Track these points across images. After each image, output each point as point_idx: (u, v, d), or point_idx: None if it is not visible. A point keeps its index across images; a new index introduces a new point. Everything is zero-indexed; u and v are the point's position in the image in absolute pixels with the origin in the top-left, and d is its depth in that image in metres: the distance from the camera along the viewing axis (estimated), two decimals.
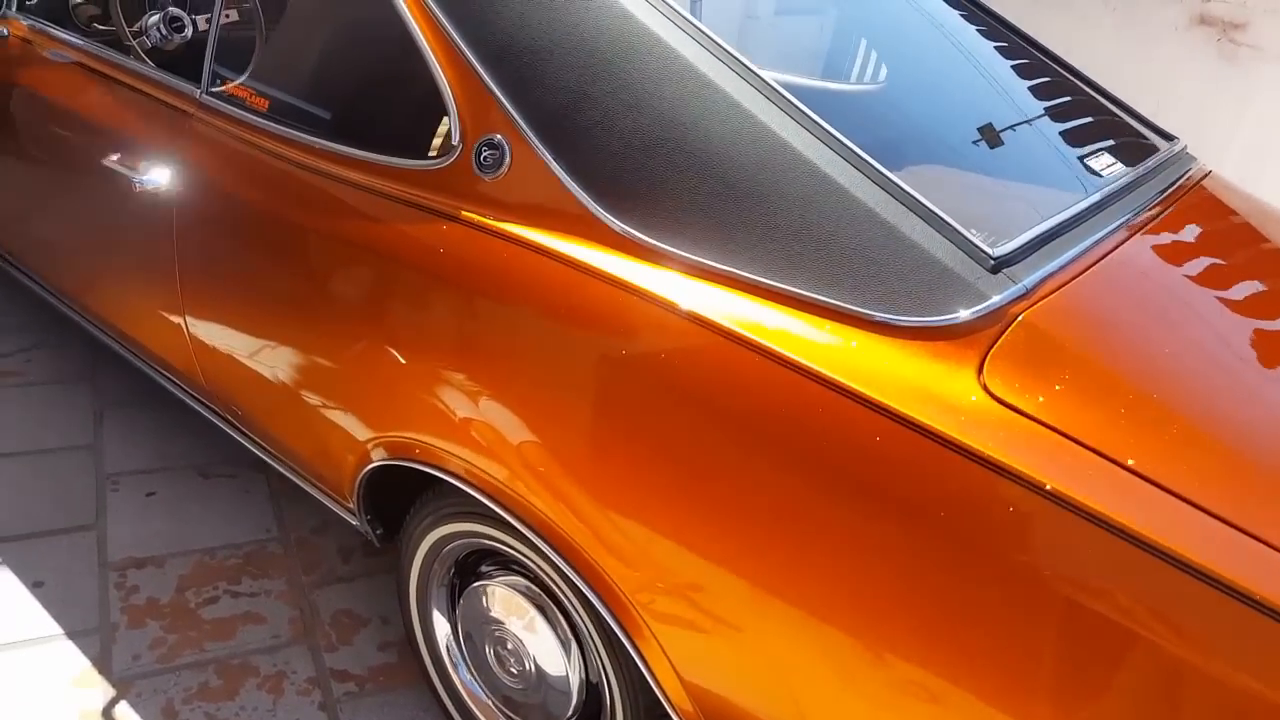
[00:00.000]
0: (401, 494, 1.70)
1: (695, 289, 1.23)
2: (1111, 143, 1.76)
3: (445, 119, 1.44)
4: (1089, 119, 1.85)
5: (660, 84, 1.32)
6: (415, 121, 1.53)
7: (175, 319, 1.90)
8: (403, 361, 1.50)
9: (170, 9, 2.53)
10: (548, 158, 1.35)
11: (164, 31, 2.50)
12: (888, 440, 1.09)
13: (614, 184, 1.32)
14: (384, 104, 1.63)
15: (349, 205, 1.55)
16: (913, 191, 1.24)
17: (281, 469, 1.93)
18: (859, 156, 1.26)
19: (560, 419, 1.33)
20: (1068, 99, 1.87)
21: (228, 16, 2.63)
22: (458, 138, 1.43)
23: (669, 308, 1.23)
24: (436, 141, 1.46)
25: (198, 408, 2.14)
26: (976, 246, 1.21)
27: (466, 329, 1.42)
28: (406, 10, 1.47)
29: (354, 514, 1.77)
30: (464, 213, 1.42)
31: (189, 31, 2.54)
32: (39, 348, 2.79)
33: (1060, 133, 1.76)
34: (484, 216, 1.40)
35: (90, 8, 2.69)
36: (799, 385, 1.14)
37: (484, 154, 1.41)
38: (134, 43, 2.37)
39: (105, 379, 2.69)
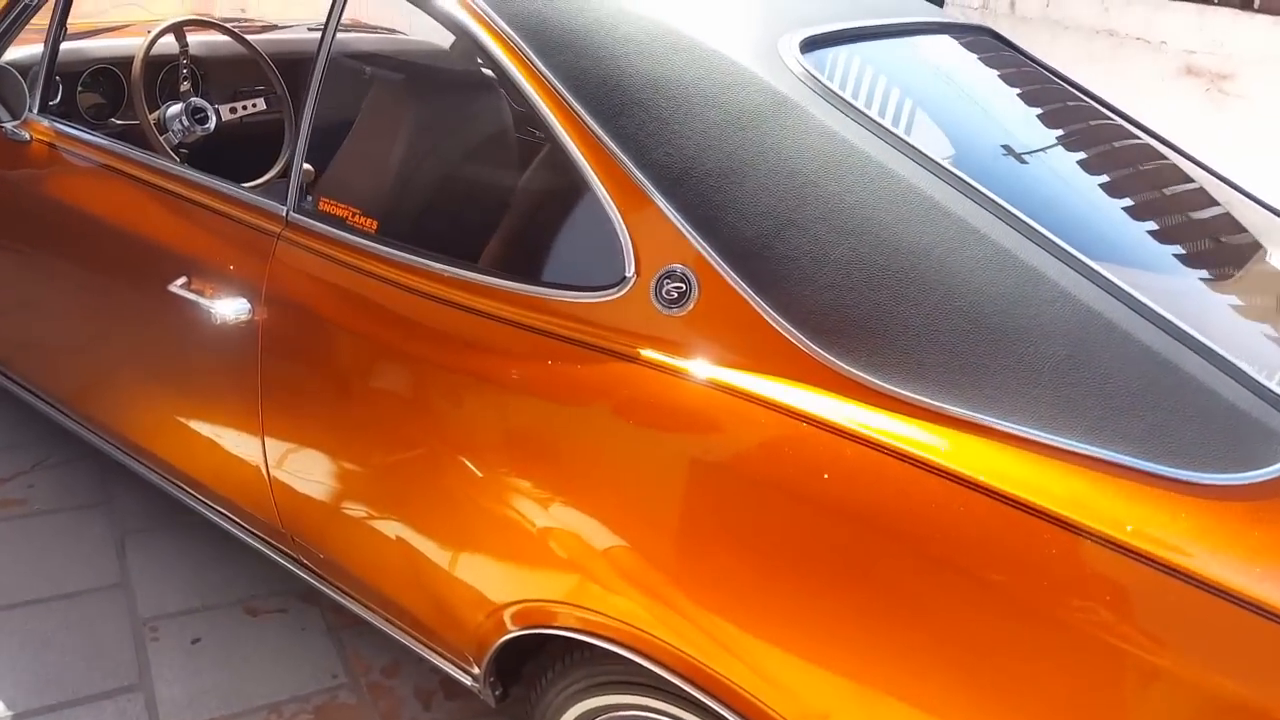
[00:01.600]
0: (529, 650, 1.51)
1: (950, 442, 1.08)
2: (1261, 234, 1.67)
3: (613, 246, 1.28)
4: (1229, 209, 1.76)
5: (878, 207, 1.18)
6: (572, 248, 1.36)
7: (253, 458, 1.69)
8: (556, 516, 1.32)
9: (193, 99, 2.34)
10: (746, 290, 1.20)
11: (186, 123, 2.30)
12: (1221, 620, 0.95)
13: (831, 320, 1.16)
14: (532, 227, 1.46)
15: (486, 340, 1.37)
16: (1183, 325, 1.11)
17: (377, 622, 1.72)
18: (1115, 284, 1.13)
19: (776, 586, 1.16)
20: (1206, 188, 1.78)
21: (253, 106, 2.45)
22: (631, 269, 1.26)
23: (918, 462, 1.07)
24: (602, 271, 1.30)
25: (237, 532, 1.93)
26: (1264, 386, 1.09)
27: (642, 479, 1.25)
28: (560, 129, 1.30)
29: (473, 676, 1.57)
30: (642, 351, 1.25)
31: (212, 124, 2.35)
32: (40, 468, 2.52)
33: (1225, 229, 1.67)
34: (667, 355, 1.23)
35: (93, 96, 2.47)
36: (1102, 557, 0.99)
37: (665, 286, 1.24)
38: (162, 138, 2.17)
39: (121, 500, 2.43)
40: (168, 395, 1.85)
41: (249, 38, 2.45)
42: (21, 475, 2.49)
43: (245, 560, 2.24)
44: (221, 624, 2.10)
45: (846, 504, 1.10)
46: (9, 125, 1.93)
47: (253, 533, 1.90)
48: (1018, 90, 1.81)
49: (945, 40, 1.79)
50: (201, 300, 1.61)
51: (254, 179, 2.31)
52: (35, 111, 1.95)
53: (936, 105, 1.52)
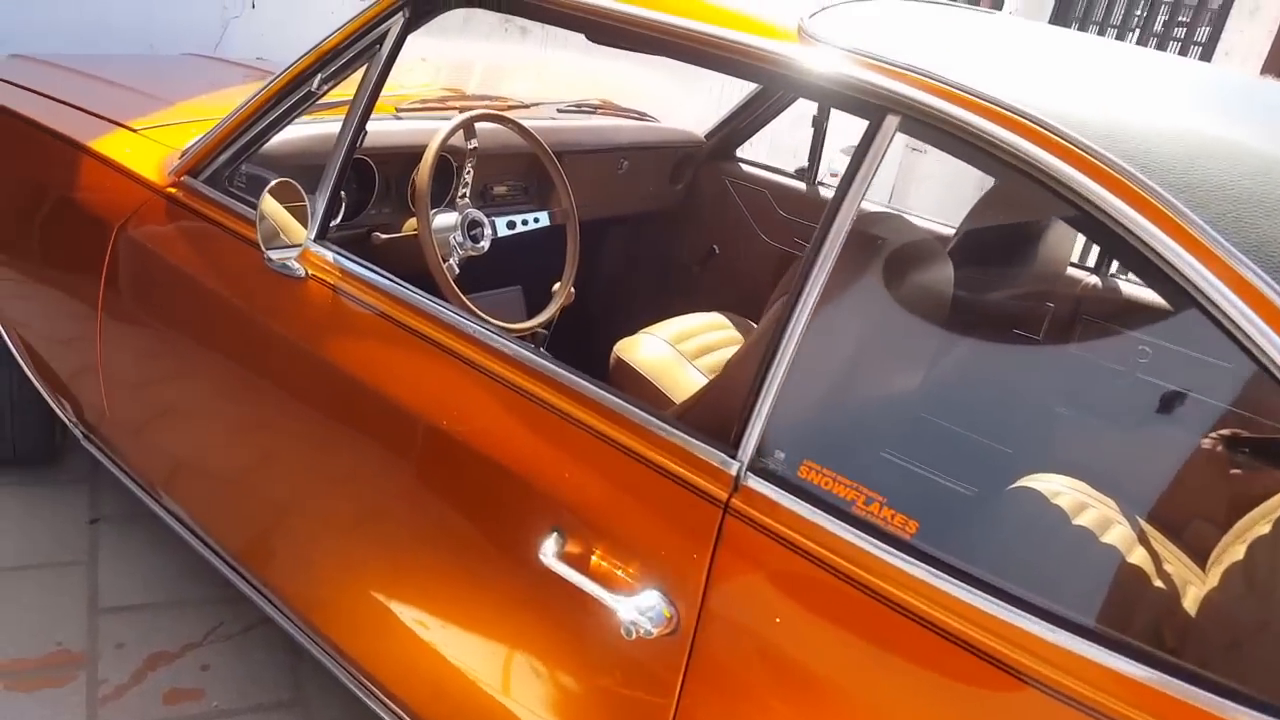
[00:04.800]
0: None
1: None
2: None
3: None
4: None
5: None
6: None
7: None
8: None
9: (470, 211, 1.85)
10: None
11: (460, 239, 1.81)
12: None
13: None
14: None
15: None
16: None
17: None
18: None
19: None
20: None
21: (535, 222, 1.96)
22: None
23: None
24: None
25: None
26: None
27: None
28: None
29: None
30: None
31: (486, 243, 1.85)
32: (213, 639, 2.01)
33: None
34: None
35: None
36: None
37: None
38: (443, 263, 1.66)
39: (314, 696, 1.92)
40: (489, 658, 1.33)
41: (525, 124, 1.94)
42: (192, 649, 1.98)
43: None
44: None
45: None
46: (278, 255, 1.42)
47: None
48: None
49: None
50: (585, 582, 1.09)
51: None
52: (312, 239, 1.44)
53: None
